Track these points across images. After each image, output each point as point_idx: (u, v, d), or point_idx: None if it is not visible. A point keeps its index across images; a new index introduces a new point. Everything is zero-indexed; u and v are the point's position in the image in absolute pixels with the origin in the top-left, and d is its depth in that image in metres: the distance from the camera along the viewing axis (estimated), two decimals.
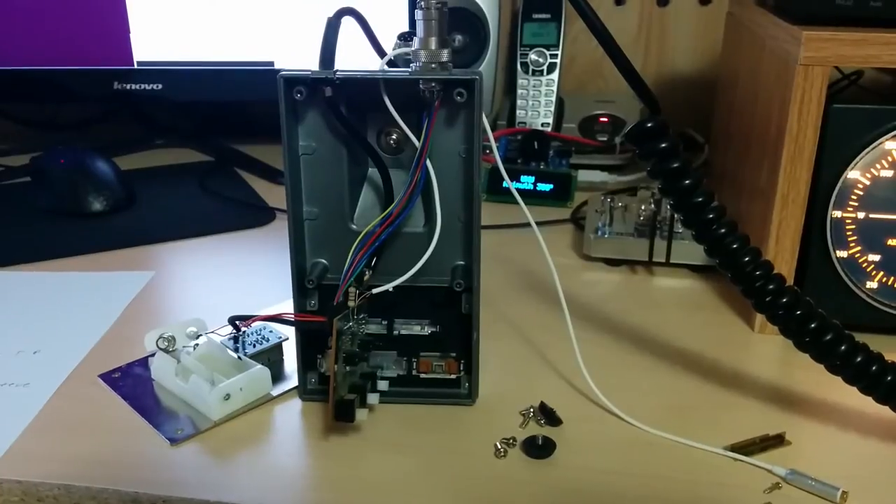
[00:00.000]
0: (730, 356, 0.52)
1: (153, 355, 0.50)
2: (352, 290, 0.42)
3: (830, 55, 0.46)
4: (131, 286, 0.61)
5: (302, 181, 0.44)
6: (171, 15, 0.85)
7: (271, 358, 0.50)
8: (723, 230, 0.38)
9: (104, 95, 0.88)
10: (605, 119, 0.85)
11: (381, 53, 0.43)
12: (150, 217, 0.75)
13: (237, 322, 0.47)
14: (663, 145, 0.37)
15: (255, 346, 0.50)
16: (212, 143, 0.95)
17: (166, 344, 0.49)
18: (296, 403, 0.47)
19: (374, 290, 0.43)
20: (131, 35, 0.85)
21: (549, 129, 0.85)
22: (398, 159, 0.45)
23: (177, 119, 1.01)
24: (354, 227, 0.45)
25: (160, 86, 0.87)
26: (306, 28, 0.86)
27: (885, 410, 0.41)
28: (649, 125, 0.37)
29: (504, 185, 0.73)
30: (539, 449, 0.42)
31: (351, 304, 0.42)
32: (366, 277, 0.43)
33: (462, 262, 0.45)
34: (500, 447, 0.42)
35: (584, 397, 0.47)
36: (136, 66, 0.86)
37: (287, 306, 0.46)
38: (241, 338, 0.50)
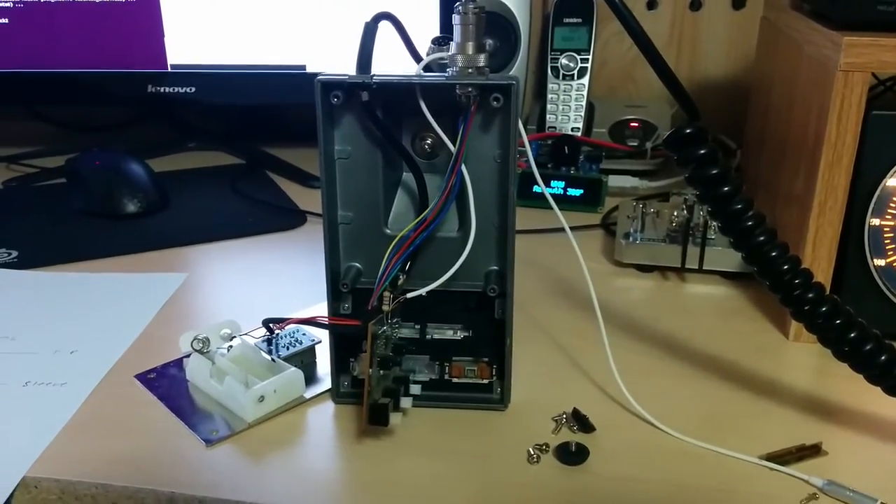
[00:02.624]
0: (764, 364, 0.51)
1: (188, 356, 0.50)
2: (386, 294, 0.42)
3: (871, 61, 0.45)
4: (165, 287, 0.62)
5: (337, 185, 0.44)
6: (205, 19, 0.86)
7: (304, 360, 0.50)
8: (762, 238, 0.37)
9: (138, 98, 0.90)
10: (636, 124, 0.85)
11: (417, 58, 0.43)
12: (183, 219, 0.76)
13: (271, 325, 0.48)
14: (702, 151, 0.37)
15: (288, 348, 0.50)
16: (243, 147, 0.96)
17: (201, 345, 0.49)
18: (328, 406, 0.47)
19: (409, 295, 0.43)
20: (165, 39, 0.87)
21: (579, 133, 0.85)
22: (433, 164, 0.45)
23: (209, 122, 1.02)
24: (389, 231, 0.45)
25: (193, 89, 0.88)
26: (338, 32, 0.87)
27: None
28: (688, 131, 0.37)
29: (535, 189, 0.73)
30: (572, 455, 0.42)
31: (385, 308, 0.42)
32: (400, 282, 0.43)
33: (496, 268, 0.45)
34: (532, 453, 0.42)
35: (616, 404, 0.46)
36: (169, 70, 0.87)
37: (320, 309, 0.46)
38: (274, 340, 0.50)
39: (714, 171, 0.36)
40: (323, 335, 0.51)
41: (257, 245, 0.71)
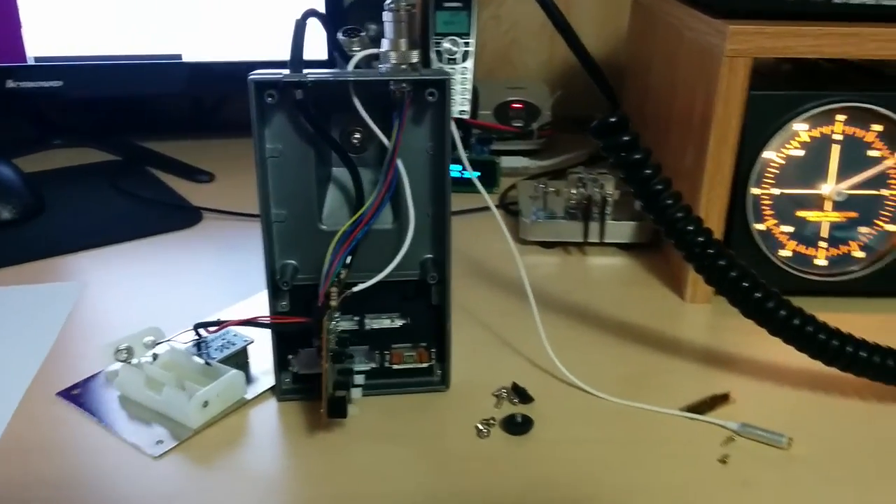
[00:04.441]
0: (668, 325, 0.56)
1: (109, 368, 0.48)
2: (332, 289, 0.43)
3: (753, 47, 0.51)
4: (65, 298, 0.58)
5: (269, 184, 0.44)
6: (69, 8, 0.81)
7: (238, 362, 0.50)
8: (680, 214, 0.41)
9: None
10: (519, 105, 0.89)
11: (343, 54, 0.44)
12: (67, 224, 0.72)
13: (205, 328, 0.47)
14: (626, 139, 0.40)
15: (222, 350, 0.49)
16: (116, 142, 0.91)
17: (125, 355, 0.47)
18: (270, 405, 0.47)
19: (355, 289, 0.44)
20: (23, 30, 0.80)
21: (467, 116, 0.87)
22: (362, 158, 0.46)
23: (73, 117, 0.96)
24: (324, 227, 0.45)
25: (60, 83, 0.82)
26: (212, 20, 0.84)
27: (814, 364, 0.47)
28: (612, 120, 0.40)
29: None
30: (519, 426, 0.45)
31: (333, 303, 0.43)
32: (343, 276, 0.44)
33: (431, 256, 0.46)
34: (481, 428, 0.45)
35: (549, 374, 0.50)
36: (33, 63, 0.81)
37: (243, 308, 0.46)
38: (205, 344, 0.49)
39: (637, 157, 0.40)
40: (255, 334, 0.50)
41: (155, 247, 0.68)
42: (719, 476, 0.42)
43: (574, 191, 0.66)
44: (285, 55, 0.40)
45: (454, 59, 0.89)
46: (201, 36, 0.85)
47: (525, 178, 0.80)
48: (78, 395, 0.48)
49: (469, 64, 0.89)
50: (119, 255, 0.66)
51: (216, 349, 0.49)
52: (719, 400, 0.48)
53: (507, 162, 0.83)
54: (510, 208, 0.74)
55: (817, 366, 0.46)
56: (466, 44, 0.89)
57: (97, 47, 0.83)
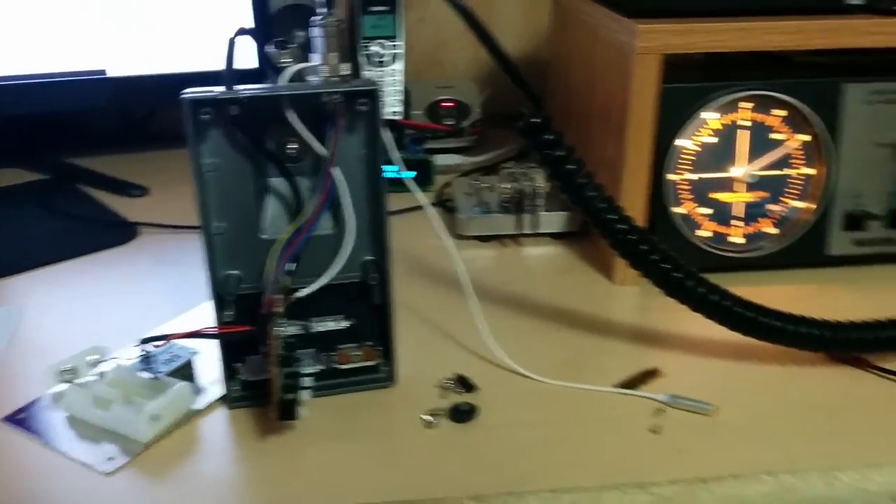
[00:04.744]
0: (600, 308, 0.59)
1: (54, 390, 0.48)
2: (276, 296, 0.44)
3: (661, 44, 0.54)
4: (3, 324, 0.58)
5: (210, 197, 0.45)
6: None
7: (186, 374, 0.51)
8: (603, 205, 0.44)
9: None
10: (450, 104, 0.91)
11: (275, 68, 0.45)
12: (0, 248, 0.71)
13: (152, 343, 0.48)
14: (549, 137, 0.43)
15: (169, 363, 0.50)
16: (44, 161, 0.90)
17: (70, 376, 0.48)
18: (220, 414, 0.48)
19: (298, 294, 0.45)
20: None
21: (401, 117, 0.89)
22: (299, 167, 0.47)
23: None
24: (265, 236, 0.46)
25: None
26: (136, 34, 0.84)
27: (735, 335, 0.50)
28: (535, 120, 0.43)
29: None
30: (464, 414, 0.47)
31: (278, 309, 0.44)
32: (287, 282, 0.45)
33: (371, 257, 0.48)
34: (428, 419, 0.47)
35: (491, 363, 0.52)
36: None
37: (187, 320, 0.47)
38: (151, 358, 0.50)
39: (560, 153, 0.43)
40: (202, 345, 0.51)
41: (92, 265, 0.68)
42: (653, 445, 0.45)
43: (506, 185, 0.69)
44: (214, 65, 0.41)
45: (383, 62, 0.90)
46: (125, 50, 0.84)
47: (459, 174, 0.83)
48: (24, 419, 0.48)
49: (399, 66, 0.90)
50: (56, 276, 0.66)
51: (163, 363, 0.50)
52: (649, 375, 0.51)
53: (441, 160, 0.85)
54: (447, 205, 0.76)
55: (738, 337, 0.50)
56: (395, 46, 0.90)
57: (17, 66, 0.81)
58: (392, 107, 0.90)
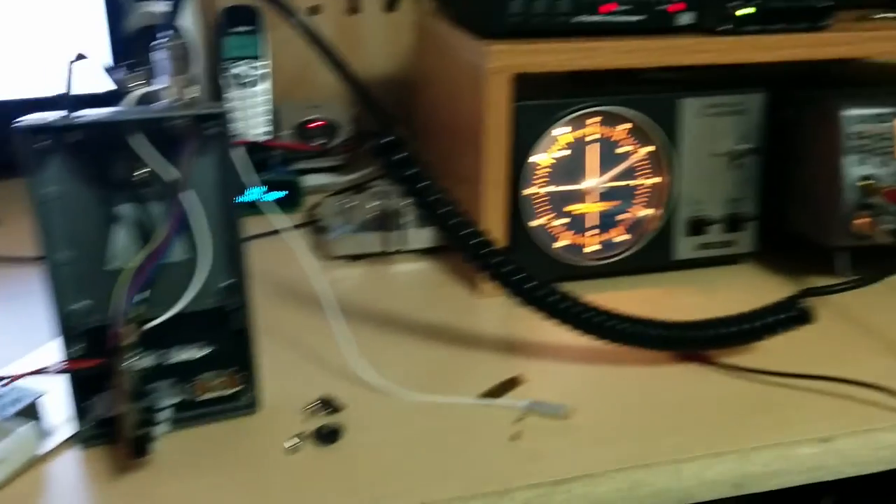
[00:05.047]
0: (466, 320, 0.61)
1: None
2: (126, 328, 0.43)
3: (510, 64, 0.56)
4: None
5: (52, 228, 0.43)
6: None
7: (31, 414, 0.48)
8: (456, 220, 0.46)
9: None
10: (319, 123, 0.91)
11: (120, 90, 0.44)
12: None
13: None
14: (400, 156, 0.44)
15: (14, 405, 0.47)
16: None
17: None
18: (71, 454, 0.46)
19: (148, 325, 0.44)
20: None
21: (271, 138, 0.88)
22: (150, 192, 0.46)
23: None
24: (114, 265, 0.45)
25: None
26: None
27: (592, 341, 0.53)
28: (385, 141, 0.44)
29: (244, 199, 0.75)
30: (329, 436, 0.47)
31: (128, 341, 0.43)
32: (141, 312, 0.44)
33: (229, 282, 0.47)
34: (291, 445, 0.46)
35: (358, 382, 0.52)
36: None
37: (32, 360, 0.44)
38: None
39: (412, 171, 0.44)
40: (53, 384, 0.49)
41: None
42: (513, 452, 0.46)
43: (374, 203, 0.70)
44: (56, 91, 0.40)
45: (247, 84, 0.89)
46: None
47: (330, 194, 0.83)
48: None
49: (265, 86, 0.90)
50: None
51: (7, 405, 0.47)
52: (512, 383, 0.53)
53: (312, 180, 0.84)
54: (318, 225, 0.76)
55: (594, 342, 0.53)
56: (262, 66, 0.90)
57: None
58: (260, 127, 0.89)
